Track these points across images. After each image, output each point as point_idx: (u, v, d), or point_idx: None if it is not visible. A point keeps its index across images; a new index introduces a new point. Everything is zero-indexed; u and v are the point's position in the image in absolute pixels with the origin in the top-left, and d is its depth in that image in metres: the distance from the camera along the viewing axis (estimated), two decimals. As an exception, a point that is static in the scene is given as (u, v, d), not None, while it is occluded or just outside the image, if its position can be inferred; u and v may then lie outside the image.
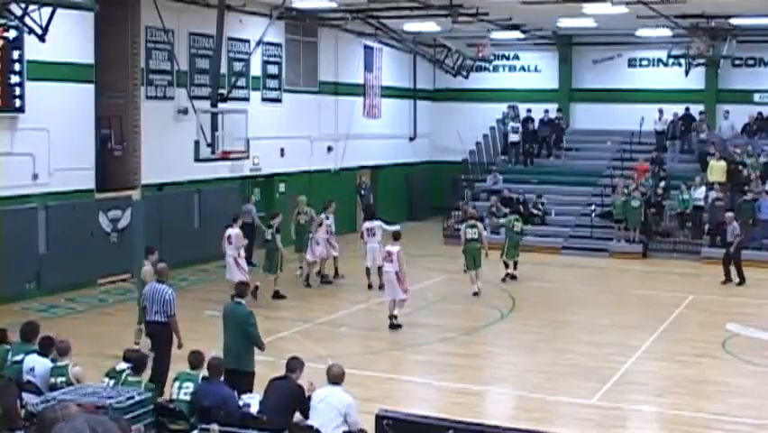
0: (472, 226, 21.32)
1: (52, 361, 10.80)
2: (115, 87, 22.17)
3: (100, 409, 8.68)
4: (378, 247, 20.90)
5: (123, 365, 10.56)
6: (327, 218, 22.33)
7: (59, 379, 10.47)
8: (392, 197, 32.77)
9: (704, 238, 26.24)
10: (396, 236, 18.74)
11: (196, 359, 10.51)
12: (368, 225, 21.78)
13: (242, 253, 19.80)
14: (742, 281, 22.61)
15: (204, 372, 10.39)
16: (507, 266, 23.03)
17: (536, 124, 32.67)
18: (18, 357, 10.93)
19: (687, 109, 31.06)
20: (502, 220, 25.31)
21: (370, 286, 21.42)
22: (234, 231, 19.67)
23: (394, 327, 17.77)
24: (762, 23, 26.47)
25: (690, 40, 27.72)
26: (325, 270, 22.40)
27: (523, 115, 33.07)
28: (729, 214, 23.66)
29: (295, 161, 28.11)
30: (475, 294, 20.78)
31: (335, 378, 9.90)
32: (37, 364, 10.66)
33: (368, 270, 21.54)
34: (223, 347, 12.30)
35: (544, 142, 32.60)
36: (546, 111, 32.65)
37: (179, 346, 13.06)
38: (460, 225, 23.57)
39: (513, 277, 22.89)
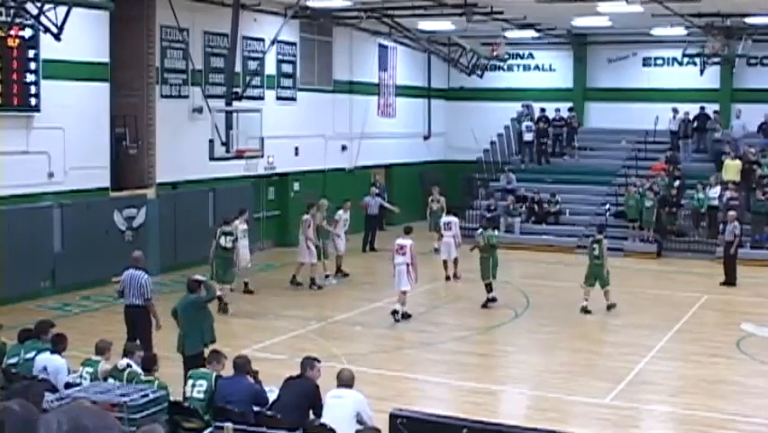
0: (437, 201, 26.45)
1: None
2: (130, 86, 22.26)
3: (115, 408, 8.71)
4: (453, 241, 22.22)
5: (124, 362, 10.54)
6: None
7: (87, 369, 10.53)
8: (406, 195, 32.71)
9: (719, 238, 26.07)
10: (407, 231, 19.31)
11: (214, 358, 10.59)
12: (445, 219, 23.16)
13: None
14: (732, 282, 22.37)
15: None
16: (490, 289, 19.84)
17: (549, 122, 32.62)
18: (30, 355, 10.97)
19: (702, 108, 30.89)
20: (480, 235, 20.37)
21: (447, 278, 22.41)
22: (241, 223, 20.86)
23: (397, 320, 18.21)
24: (777, 22, 26.35)
25: (705, 39, 27.61)
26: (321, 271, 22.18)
27: (537, 114, 33.02)
28: (731, 213, 23.52)
29: (309, 160, 28.15)
30: (436, 250, 23.98)
31: (347, 381, 9.92)
32: (49, 363, 10.70)
33: (445, 262, 22.50)
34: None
35: (556, 141, 32.54)
36: (557, 110, 32.59)
37: (158, 328, 14.11)
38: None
39: (495, 300, 19.88)
